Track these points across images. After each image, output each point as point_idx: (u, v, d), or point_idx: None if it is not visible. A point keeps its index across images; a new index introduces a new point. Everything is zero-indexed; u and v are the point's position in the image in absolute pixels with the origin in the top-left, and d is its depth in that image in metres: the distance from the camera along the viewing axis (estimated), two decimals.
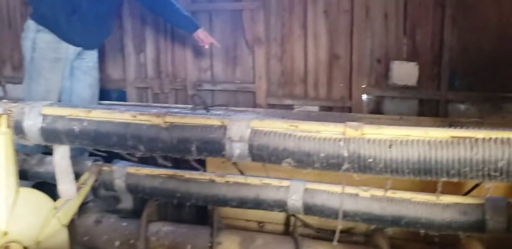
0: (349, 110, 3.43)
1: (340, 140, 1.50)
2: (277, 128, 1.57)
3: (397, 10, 3.25)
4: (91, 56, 3.08)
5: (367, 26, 3.32)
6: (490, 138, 1.38)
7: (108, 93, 3.92)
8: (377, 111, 3.41)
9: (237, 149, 1.57)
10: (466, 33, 3.13)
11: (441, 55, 3.18)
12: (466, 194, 2.10)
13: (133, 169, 2.24)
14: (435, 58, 3.21)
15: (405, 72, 3.28)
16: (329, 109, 3.50)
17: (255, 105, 3.64)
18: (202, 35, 3.28)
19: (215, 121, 1.61)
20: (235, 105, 3.68)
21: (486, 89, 3.13)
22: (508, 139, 1.36)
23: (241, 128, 1.57)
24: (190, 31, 3.29)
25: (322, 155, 1.51)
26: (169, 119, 1.65)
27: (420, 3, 3.19)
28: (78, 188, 2.10)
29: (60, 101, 2.90)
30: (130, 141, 1.71)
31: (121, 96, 3.95)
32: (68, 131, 1.79)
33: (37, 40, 2.79)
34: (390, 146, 1.45)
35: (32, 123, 1.79)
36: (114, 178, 2.27)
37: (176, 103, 3.80)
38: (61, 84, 2.90)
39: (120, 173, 2.26)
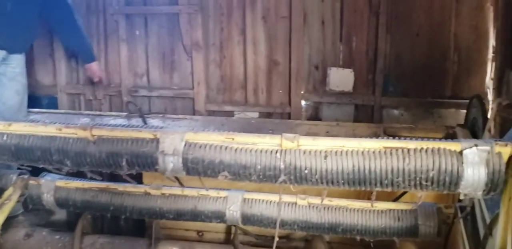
0: (289, 116, 3.44)
1: (276, 151, 1.48)
2: (213, 141, 1.52)
3: (333, 17, 3.30)
4: (18, 61, 2.91)
5: (305, 33, 3.35)
6: (421, 149, 1.40)
7: (38, 99, 3.72)
8: (315, 116, 3.45)
9: (171, 163, 1.51)
10: (399, 40, 3.23)
11: (376, 61, 3.26)
12: (396, 199, 2.16)
13: (62, 183, 2.14)
14: (370, 65, 3.29)
15: (341, 78, 3.34)
16: (269, 115, 3.50)
17: (194, 111, 3.57)
18: (95, 68, 3.41)
19: (147, 134, 1.54)
20: (173, 112, 3.60)
21: (418, 95, 3.25)
22: (438, 149, 1.39)
23: (174, 141, 1.51)
24: (86, 61, 3.41)
25: (258, 167, 1.48)
26: (97, 132, 1.56)
27: (356, 10, 3.26)
28: (2, 205, 1.97)
29: (3, 111, 2.74)
30: (55, 156, 1.61)
31: (52, 103, 3.75)
32: None
33: None
34: (326, 157, 1.45)
35: None
36: (42, 192, 2.16)
37: (110, 110, 3.66)
38: None
39: (48, 187, 2.15)
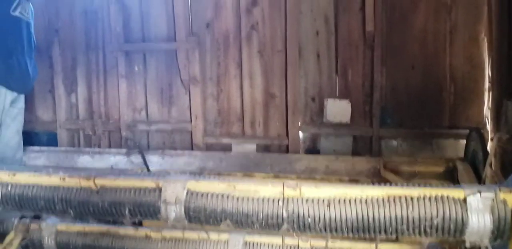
0: (287, 148, 3.46)
1: (279, 200, 1.48)
2: (215, 189, 1.52)
3: (328, 50, 3.36)
4: (19, 100, 2.91)
5: (301, 66, 3.39)
6: (425, 196, 1.41)
7: (37, 135, 3.73)
8: (313, 148, 3.45)
9: (173, 212, 1.50)
10: (394, 72, 3.28)
11: (372, 93, 3.29)
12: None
13: (63, 226, 2.11)
14: (366, 97, 3.33)
15: (338, 109, 3.36)
16: (267, 147, 3.51)
17: (192, 144, 3.58)
18: None
19: (149, 183, 1.54)
20: (172, 146, 3.61)
21: (415, 126, 3.28)
22: (442, 196, 1.40)
23: (176, 190, 1.51)
24: None
25: (261, 215, 1.48)
26: (100, 181, 1.57)
27: (350, 44, 3.31)
28: None
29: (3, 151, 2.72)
30: (59, 205, 1.60)
31: (52, 139, 3.76)
32: None
33: None
34: (329, 205, 1.45)
35: None
36: (43, 236, 2.13)
37: (109, 145, 3.67)
38: None
39: (50, 230, 2.13)
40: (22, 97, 2.93)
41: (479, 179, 2.28)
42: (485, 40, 3.10)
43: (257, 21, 3.43)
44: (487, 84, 3.13)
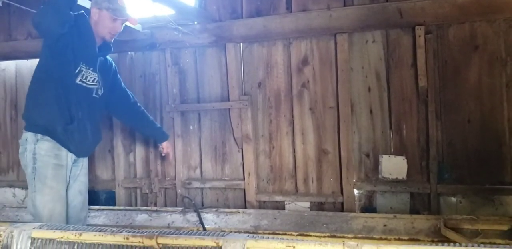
0: (341, 205, 3.39)
1: None
2: None
3: (381, 106, 3.36)
4: (83, 162, 3.03)
5: (353, 121, 3.40)
6: None
7: (97, 193, 3.86)
8: (369, 205, 3.38)
9: None
10: (450, 127, 3.22)
11: (428, 148, 3.23)
12: None
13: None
14: (422, 152, 3.27)
15: (394, 165, 3.31)
16: (321, 204, 3.46)
17: (245, 202, 3.59)
18: (167, 144, 3.55)
19: (209, 242, 1.56)
20: (225, 203, 3.64)
21: (475, 182, 3.16)
22: None
23: None
24: (161, 140, 3.54)
25: None
26: (162, 240, 1.60)
27: (404, 99, 3.31)
28: None
29: (83, 205, 2.85)
30: None
31: (110, 197, 3.88)
32: None
33: (37, 150, 2.73)
34: None
35: (22, 248, 1.72)
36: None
37: (165, 203, 3.73)
38: (65, 193, 2.80)
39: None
40: (85, 160, 3.04)
41: None
42: None
43: (308, 79, 3.51)
44: None
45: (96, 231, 1.68)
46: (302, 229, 2.89)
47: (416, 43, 3.21)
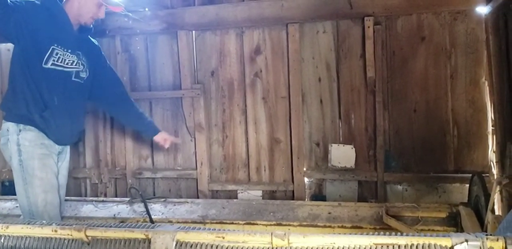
0: (292, 193, 3.44)
1: None
2: (204, 240, 1.53)
3: (331, 96, 3.40)
4: (66, 154, 2.96)
5: (304, 111, 3.43)
6: (412, 245, 1.39)
7: None
8: (319, 193, 3.43)
9: None
10: (397, 116, 3.29)
11: (375, 138, 3.30)
12: None
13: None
14: (370, 141, 3.33)
15: (343, 154, 3.36)
16: (273, 193, 3.50)
17: (197, 191, 3.59)
18: (163, 137, 3.32)
19: (139, 234, 1.55)
20: (177, 193, 3.63)
21: (420, 170, 3.25)
22: (429, 245, 1.38)
23: (166, 241, 1.52)
24: (152, 135, 3.32)
25: None
26: (91, 232, 1.58)
27: (352, 89, 3.35)
28: None
29: (60, 200, 2.74)
30: None
31: None
32: None
33: (21, 141, 2.62)
34: None
35: None
36: None
37: (115, 193, 3.70)
38: (56, 181, 2.71)
39: None
40: (67, 150, 2.96)
41: (482, 225, 2.24)
42: (486, 84, 3.11)
43: (261, 68, 3.51)
44: (490, 128, 3.12)
45: (24, 223, 1.65)
46: (249, 218, 2.91)
47: (365, 34, 3.25)
